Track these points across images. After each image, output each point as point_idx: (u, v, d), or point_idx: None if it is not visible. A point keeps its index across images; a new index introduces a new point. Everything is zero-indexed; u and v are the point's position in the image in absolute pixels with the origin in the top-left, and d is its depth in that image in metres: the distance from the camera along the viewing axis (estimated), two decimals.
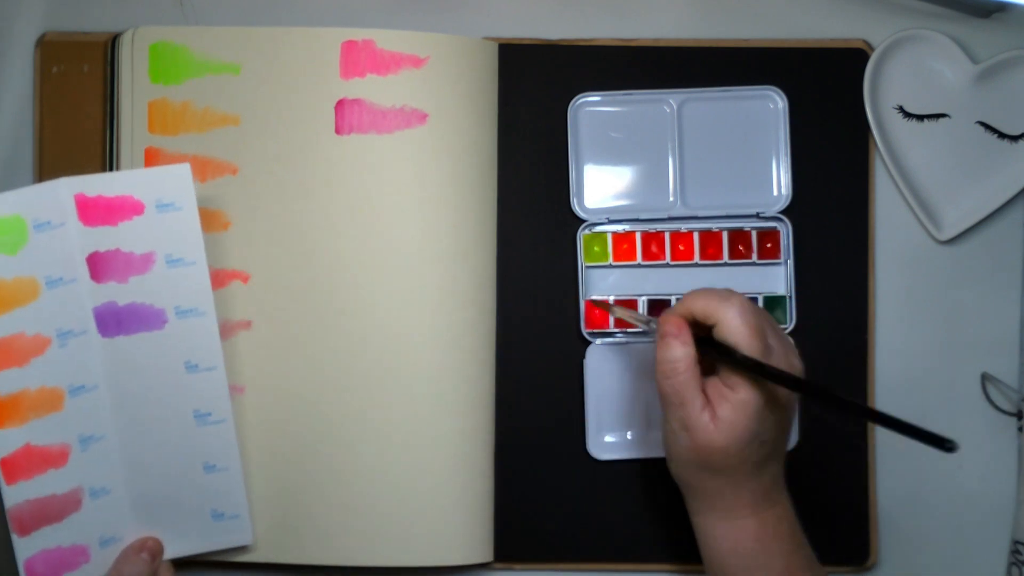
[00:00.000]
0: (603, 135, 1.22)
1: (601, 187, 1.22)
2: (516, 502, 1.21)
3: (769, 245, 1.21)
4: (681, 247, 1.21)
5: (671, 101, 1.22)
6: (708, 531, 1.07)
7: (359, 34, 1.17)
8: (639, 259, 1.21)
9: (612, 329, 1.21)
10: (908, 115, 1.22)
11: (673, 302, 1.21)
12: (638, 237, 1.21)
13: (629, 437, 1.22)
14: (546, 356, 1.18)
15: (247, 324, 1.18)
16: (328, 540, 1.17)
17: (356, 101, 1.17)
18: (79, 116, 1.20)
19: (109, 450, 1.12)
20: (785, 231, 1.21)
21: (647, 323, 1.13)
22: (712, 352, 1.05)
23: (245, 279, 1.17)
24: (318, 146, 1.17)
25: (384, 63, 1.17)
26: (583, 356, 1.21)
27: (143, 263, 1.11)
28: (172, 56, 1.18)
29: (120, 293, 1.11)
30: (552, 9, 1.23)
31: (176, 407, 1.13)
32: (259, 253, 1.17)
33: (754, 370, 1.03)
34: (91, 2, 1.22)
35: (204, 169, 1.17)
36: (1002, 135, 1.22)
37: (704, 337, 1.05)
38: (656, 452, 1.22)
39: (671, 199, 1.22)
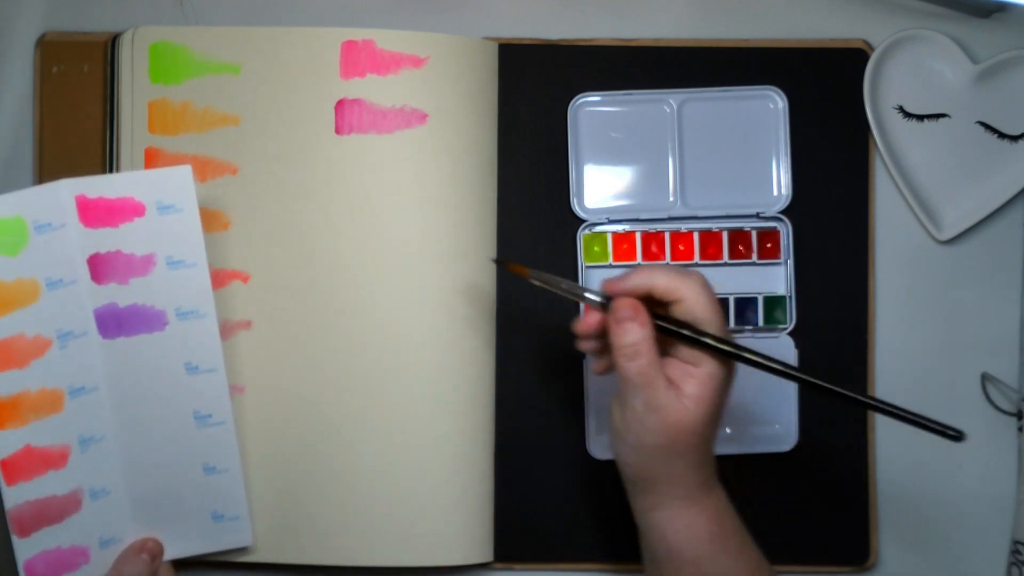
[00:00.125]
0: (603, 135, 1.22)
1: (601, 187, 1.22)
2: (516, 502, 1.21)
3: (769, 245, 1.21)
4: (681, 247, 1.21)
5: (671, 101, 1.22)
6: (667, 524, 1.04)
7: (359, 34, 1.17)
8: (639, 259, 1.21)
9: None
10: (908, 115, 1.22)
11: None
12: (638, 237, 1.21)
13: None
14: (546, 356, 1.18)
15: (247, 324, 1.18)
16: (328, 540, 1.17)
17: (356, 101, 1.17)
18: (79, 116, 1.20)
19: (109, 451, 1.12)
20: (785, 231, 1.21)
21: (577, 294, 1.07)
22: (669, 330, 1.03)
23: (245, 279, 1.17)
24: (318, 146, 1.17)
25: (384, 63, 1.17)
26: (583, 356, 1.21)
27: (144, 264, 1.11)
28: (172, 56, 1.18)
29: (121, 294, 1.11)
30: (552, 9, 1.23)
31: (176, 408, 1.13)
32: (259, 253, 1.17)
33: (719, 347, 1.01)
34: (91, 2, 1.22)
35: (204, 169, 1.17)
36: (1002, 135, 1.22)
37: (659, 316, 1.03)
38: None
39: (671, 199, 1.22)
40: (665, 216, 1.21)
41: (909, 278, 1.23)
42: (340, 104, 1.17)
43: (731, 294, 1.21)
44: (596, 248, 1.21)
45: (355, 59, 1.17)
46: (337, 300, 1.17)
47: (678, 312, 1.03)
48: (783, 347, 1.21)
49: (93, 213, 1.09)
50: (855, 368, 1.23)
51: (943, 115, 1.22)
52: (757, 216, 1.21)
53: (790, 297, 1.21)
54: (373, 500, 1.17)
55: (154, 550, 1.14)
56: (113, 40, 1.19)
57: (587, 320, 1.05)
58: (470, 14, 1.23)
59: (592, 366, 1.10)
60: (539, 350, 1.21)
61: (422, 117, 1.17)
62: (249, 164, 1.17)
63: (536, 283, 1.08)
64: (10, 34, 1.21)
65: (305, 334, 1.17)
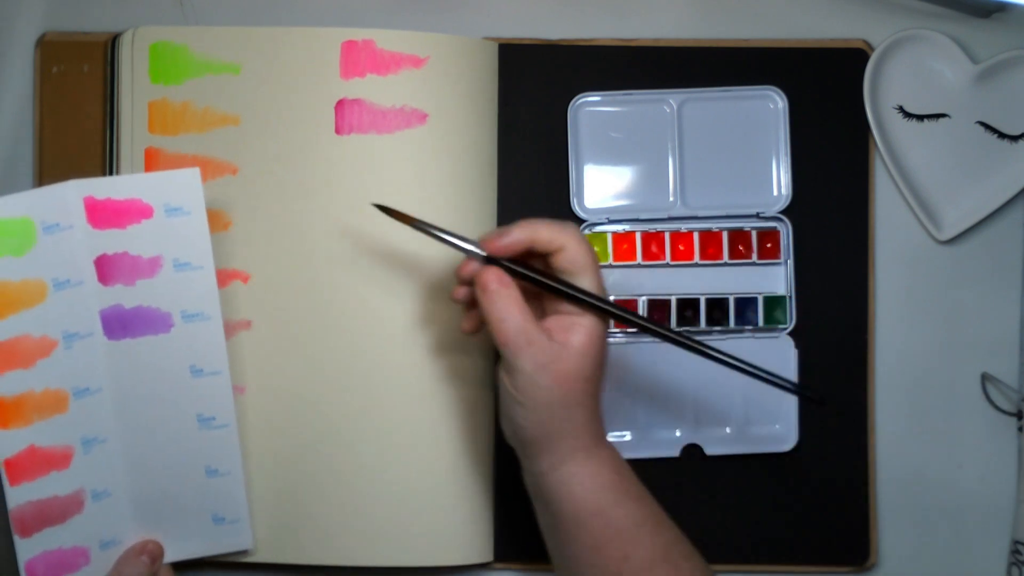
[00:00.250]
0: (603, 135, 1.22)
1: (601, 187, 1.22)
2: (516, 502, 1.20)
3: (769, 245, 1.21)
4: (681, 247, 1.21)
5: (671, 101, 1.22)
6: (572, 479, 1.04)
7: (359, 34, 1.17)
8: (639, 259, 1.21)
9: (612, 329, 1.21)
10: (908, 115, 1.22)
11: (673, 302, 1.21)
12: (638, 237, 1.21)
13: (629, 437, 1.22)
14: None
15: (247, 324, 1.18)
16: (328, 540, 1.17)
17: (356, 101, 1.17)
18: (79, 116, 1.20)
19: (112, 453, 1.12)
20: (785, 231, 1.21)
21: (456, 245, 1.07)
22: (544, 285, 1.05)
23: (245, 279, 1.17)
24: (318, 146, 1.17)
25: (384, 63, 1.17)
26: None
27: (150, 266, 1.11)
28: (172, 56, 1.18)
29: (127, 296, 1.11)
30: (552, 9, 1.23)
31: (180, 411, 1.13)
32: (259, 253, 1.17)
33: (594, 301, 1.04)
34: (91, 2, 1.22)
35: (204, 169, 1.16)
36: (1002, 135, 1.22)
37: (534, 271, 1.06)
38: (657, 452, 1.22)
39: (671, 199, 1.22)
40: (665, 216, 1.21)
41: (909, 278, 1.23)
42: (340, 104, 1.17)
43: (731, 294, 1.21)
44: (596, 248, 1.21)
45: (355, 59, 1.17)
46: (337, 300, 1.17)
47: (559, 261, 1.05)
48: (783, 347, 1.21)
49: (101, 214, 1.09)
50: (855, 368, 1.23)
51: (943, 115, 1.22)
52: (757, 216, 1.21)
53: (790, 297, 1.21)
54: (373, 500, 1.17)
55: (154, 552, 1.14)
56: (113, 40, 1.19)
57: (467, 267, 1.06)
58: (470, 14, 1.23)
59: (463, 325, 1.11)
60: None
61: (422, 117, 1.17)
62: (249, 164, 1.17)
63: (419, 230, 1.08)
64: (10, 34, 1.21)
65: (305, 334, 1.17)
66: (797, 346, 1.21)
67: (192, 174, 1.11)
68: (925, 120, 1.22)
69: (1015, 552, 1.21)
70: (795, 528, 1.22)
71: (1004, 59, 1.21)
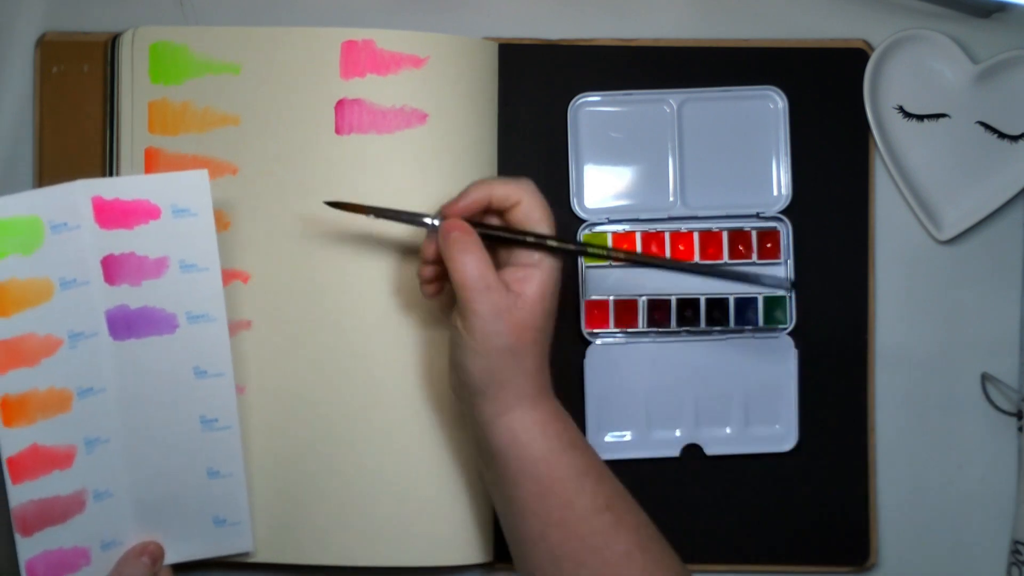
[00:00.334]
0: (603, 135, 1.22)
1: (601, 187, 1.22)
2: None
3: (769, 245, 1.21)
4: (681, 247, 1.21)
5: (671, 101, 1.22)
6: (517, 424, 1.07)
7: (359, 34, 1.17)
8: None
9: (612, 329, 1.21)
10: (908, 115, 1.22)
11: (673, 302, 1.21)
12: (638, 237, 1.22)
13: (629, 437, 1.22)
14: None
15: (247, 324, 1.18)
16: (328, 540, 1.17)
17: (356, 101, 1.17)
18: (79, 116, 1.20)
19: (114, 453, 1.12)
20: (785, 231, 1.21)
21: (416, 221, 1.10)
22: (509, 238, 1.09)
23: (245, 279, 1.17)
24: (318, 146, 1.17)
25: (384, 63, 1.17)
26: (583, 356, 1.22)
27: (157, 267, 1.11)
28: (172, 56, 1.18)
29: (133, 296, 1.11)
30: (552, 9, 1.23)
31: (183, 412, 1.13)
32: (259, 253, 1.17)
33: (563, 246, 1.08)
34: (91, 2, 1.22)
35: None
36: (1002, 135, 1.22)
37: (493, 227, 1.10)
38: (657, 452, 1.22)
39: (671, 199, 1.22)
40: (665, 216, 1.21)
41: (909, 278, 1.23)
42: (340, 104, 1.17)
43: (731, 294, 1.21)
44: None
45: (355, 59, 1.17)
46: (337, 300, 1.17)
47: (515, 216, 1.08)
48: (783, 347, 1.21)
49: (108, 214, 1.09)
50: (855, 368, 1.23)
51: (943, 115, 1.22)
52: (757, 216, 1.21)
53: (790, 297, 1.21)
54: (373, 500, 1.17)
55: (155, 553, 1.14)
56: (113, 40, 1.19)
57: (431, 246, 1.09)
58: (470, 14, 1.23)
59: (426, 290, 1.13)
60: None
61: (422, 117, 1.17)
62: (249, 164, 1.17)
63: (376, 218, 1.12)
64: (10, 34, 1.21)
65: (305, 334, 1.17)
66: (797, 346, 1.21)
67: (200, 176, 1.11)
68: (925, 120, 1.22)
69: (1015, 552, 1.21)
70: (795, 528, 1.22)
71: (1004, 59, 1.21)
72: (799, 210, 1.22)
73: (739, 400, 1.22)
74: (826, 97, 1.23)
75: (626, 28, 1.23)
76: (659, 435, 1.22)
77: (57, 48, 1.21)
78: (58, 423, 1.09)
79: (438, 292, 1.12)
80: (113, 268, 1.10)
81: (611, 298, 1.21)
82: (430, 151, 1.16)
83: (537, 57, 1.22)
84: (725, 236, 1.21)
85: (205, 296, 1.12)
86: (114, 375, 1.11)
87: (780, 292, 1.21)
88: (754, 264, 1.21)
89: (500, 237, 1.08)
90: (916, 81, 1.22)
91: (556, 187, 1.21)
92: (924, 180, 1.23)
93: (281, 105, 1.17)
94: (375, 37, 1.17)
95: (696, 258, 1.21)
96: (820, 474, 1.22)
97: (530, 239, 1.07)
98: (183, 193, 1.10)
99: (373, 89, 1.17)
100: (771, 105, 1.22)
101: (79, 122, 1.20)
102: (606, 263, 1.21)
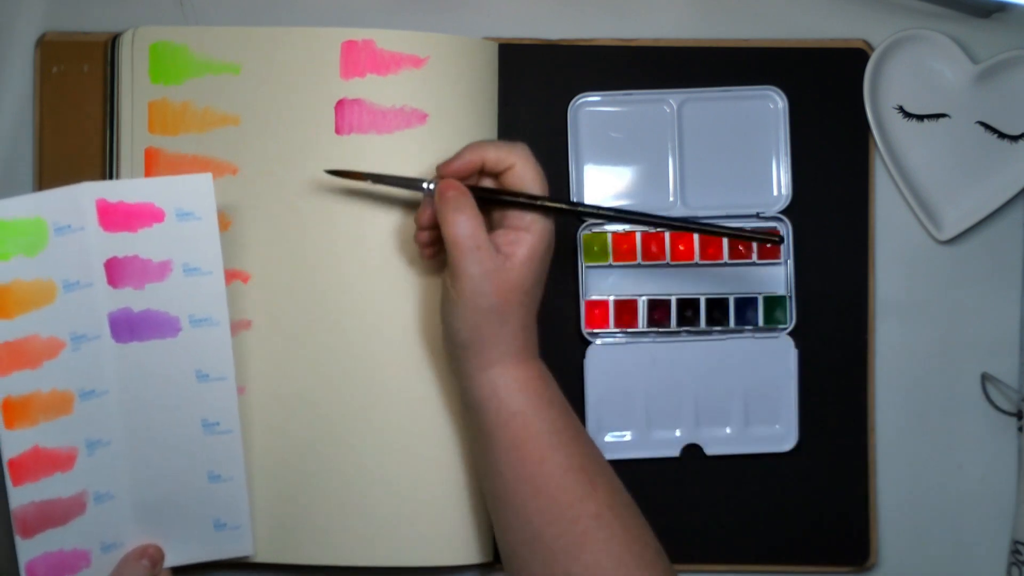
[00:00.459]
0: (603, 135, 1.22)
1: (601, 187, 1.22)
2: None
3: (769, 245, 1.21)
4: (681, 247, 1.21)
5: (671, 101, 1.22)
6: (498, 379, 1.09)
7: (359, 34, 1.17)
8: (639, 259, 1.21)
9: (612, 329, 1.22)
10: (908, 115, 1.22)
11: (673, 302, 1.21)
12: (638, 237, 1.21)
13: (629, 437, 1.22)
14: (546, 356, 1.17)
15: (247, 324, 1.17)
16: (327, 540, 1.17)
17: (356, 101, 1.17)
18: (79, 116, 1.20)
19: (116, 455, 1.12)
20: (785, 231, 1.21)
21: (413, 184, 1.13)
22: (499, 199, 1.11)
23: (245, 279, 1.17)
24: (318, 146, 1.17)
25: (384, 63, 1.17)
26: (583, 356, 1.22)
27: (160, 270, 1.11)
28: (172, 56, 1.18)
29: (136, 299, 1.11)
30: (552, 9, 1.23)
31: (184, 415, 1.13)
32: (259, 253, 1.17)
33: (555, 206, 1.10)
34: (91, 2, 1.22)
35: (204, 169, 1.16)
36: (1002, 135, 1.22)
37: (488, 189, 1.12)
38: (657, 452, 1.22)
39: (671, 199, 1.22)
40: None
41: (909, 278, 1.23)
42: (340, 104, 1.17)
43: (731, 294, 1.21)
44: (596, 248, 1.21)
45: (355, 59, 1.17)
46: (337, 300, 1.17)
47: (509, 179, 1.10)
48: (783, 347, 1.21)
49: (112, 217, 1.09)
50: (855, 368, 1.23)
51: (943, 115, 1.22)
52: (757, 216, 1.21)
53: (790, 297, 1.21)
54: (373, 500, 1.17)
55: (155, 556, 1.14)
56: (113, 40, 1.19)
57: (427, 212, 1.11)
58: (470, 14, 1.23)
59: (424, 253, 1.15)
60: (539, 350, 1.21)
61: (422, 117, 1.17)
62: (249, 164, 1.17)
63: (374, 184, 1.15)
64: (10, 34, 1.21)
65: (305, 334, 1.17)
66: (797, 346, 1.21)
67: (204, 180, 1.10)
68: (925, 120, 1.22)
69: (1015, 552, 1.21)
70: (795, 528, 1.22)
71: (1004, 59, 1.21)
72: (799, 210, 1.22)
73: (739, 400, 1.22)
74: (826, 97, 1.23)
75: (626, 28, 1.23)
76: (659, 435, 1.22)
77: (57, 48, 1.21)
78: (60, 425, 1.09)
79: (435, 255, 1.14)
80: (116, 271, 1.10)
81: (611, 298, 1.22)
82: (430, 151, 1.16)
83: (537, 57, 1.22)
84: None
85: (208, 299, 1.12)
86: (116, 378, 1.11)
87: (780, 293, 1.21)
88: (754, 264, 1.21)
89: (493, 198, 1.10)
90: (916, 81, 1.22)
91: (556, 187, 1.20)
92: (924, 180, 1.23)
93: (281, 105, 1.17)
94: (375, 37, 1.17)
95: (696, 258, 1.21)
96: (820, 474, 1.22)
97: (522, 200, 1.09)
98: (187, 196, 1.10)
99: (373, 89, 1.17)
100: (771, 105, 1.22)
101: (79, 122, 1.20)
102: (633, 331, 1.22)
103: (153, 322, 1.11)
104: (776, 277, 1.22)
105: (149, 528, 1.14)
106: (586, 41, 1.23)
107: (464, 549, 1.18)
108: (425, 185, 1.11)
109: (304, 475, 1.18)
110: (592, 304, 1.22)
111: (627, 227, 1.21)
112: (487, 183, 1.12)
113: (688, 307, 1.22)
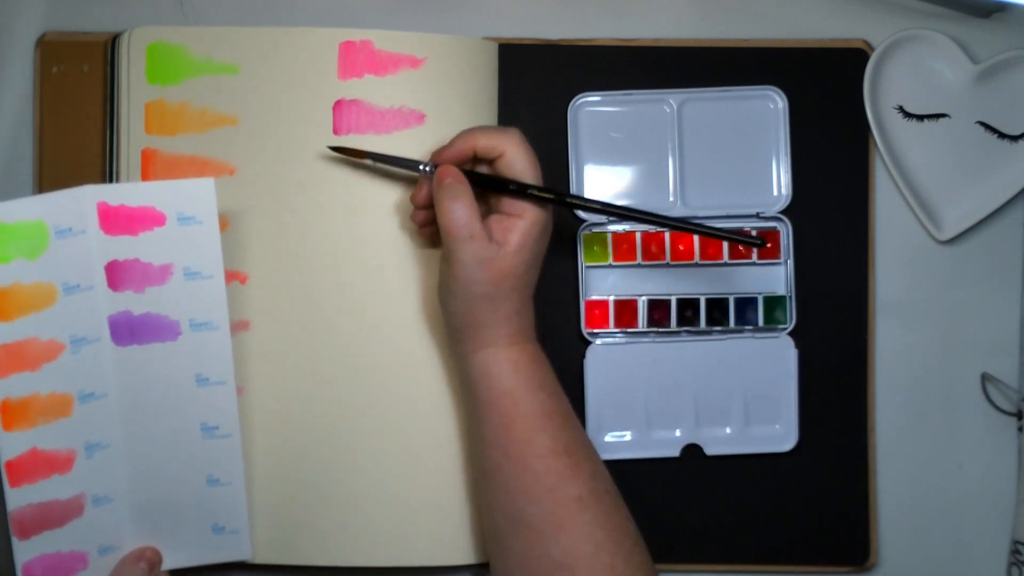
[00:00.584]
0: (603, 135, 1.22)
1: (601, 187, 1.22)
2: None
3: (769, 245, 1.21)
4: (681, 247, 1.21)
5: (671, 101, 1.22)
6: (490, 359, 1.11)
7: (357, 35, 1.17)
8: (639, 259, 1.21)
9: (612, 329, 1.22)
10: (908, 115, 1.22)
11: (673, 302, 1.21)
12: (638, 237, 1.22)
13: (629, 437, 1.22)
14: (546, 356, 1.18)
15: (245, 325, 1.17)
16: (327, 540, 1.17)
17: (354, 102, 1.17)
18: (79, 116, 1.20)
19: (114, 458, 1.12)
20: (785, 231, 1.21)
21: (411, 166, 1.15)
22: (493, 185, 1.12)
23: (243, 280, 1.17)
24: (316, 147, 1.17)
25: (382, 64, 1.17)
26: (583, 356, 1.22)
27: (161, 274, 1.11)
28: (169, 57, 1.17)
29: (136, 303, 1.11)
30: (552, 9, 1.23)
31: (184, 419, 1.13)
32: (257, 253, 1.17)
33: (543, 195, 1.11)
34: (91, 2, 1.22)
35: (202, 170, 1.17)
36: (1002, 135, 1.22)
37: (482, 175, 1.13)
38: (657, 452, 1.22)
39: (671, 199, 1.22)
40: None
41: (909, 278, 1.23)
42: (338, 105, 1.17)
43: (731, 294, 1.21)
44: (596, 248, 1.21)
45: (353, 60, 1.17)
46: (335, 301, 1.17)
47: (501, 166, 1.11)
48: (783, 347, 1.21)
49: (114, 220, 1.09)
50: (855, 368, 1.23)
51: (943, 115, 1.22)
52: (757, 216, 1.21)
53: (790, 297, 1.21)
54: (372, 500, 1.17)
55: (152, 559, 1.13)
56: (113, 40, 1.19)
57: (422, 192, 1.13)
58: (470, 14, 1.23)
59: (422, 233, 1.17)
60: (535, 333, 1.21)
61: (420, 117, 1.17)
62: (247, 165, 1.17)
63: (371, 163, 1.16)
64: (10, 34, 1.21)
65: (303, 334, 1.17)
66: (797, 346, 1.21)
67: (206, 184, 1.10)
68: (925, 120, 1.22)
69: (1015, 552, 1.21)
70: (795, 528, 1.22)
71: (1004, 59, 1.21)
72: (799, 210, 1.22)
73: (739, 400, 1.22)
74: (826, 97, 1.23)
75: (626, 28, 1.23)
76: (659, 435, 1.22)
77: (57, 48, 1.21)
78: (58, 427, 1.09)
79: (433, 234, 1.15)
80: (117, 274, 1.10)
81: (611, 298, 1.22)
82: (428, 151, 1.16)
83: (537, 57, 1.22)
84: None
85: (208, 304, 1.12)
86: (116, 381, 1.11)
87: (780, 293, 1.21)
88: (754, 264, 1.21)
89: (485, 185, 1.12)
90: (916, 81, 1.22)
91: (556, 187, 1.21)
92: (924, 180, 1.22)
93: (279, 106, 1.17)
94: (373, 38, 1.17)
95: (696, 258, 1.21)
96: (820, 474, 1.22)
97: (512, 187, 1.10)
98: (189, 201, 1.10)
99: (371, 90, 1.17)
100: (771, 105, 1.22)
101: (79, 122, 1.20)
102: (633, 331, 1.22)
103: (153, 325, 1.11)
104: (776, 277, 1.22)
105: (147, 531, 1.14)
106: (586, 41, 1.23)
107: (460, 549, 1.18)
108: (422, 167, 1.13)
109: (301, 475, 1.18)
110: (592, 304, 1.22)
111: (627, 227, 1.21)
112: (483, 169, 1.13)
113: (688, 307, 1.22)
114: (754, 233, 1.21)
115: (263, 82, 1.17)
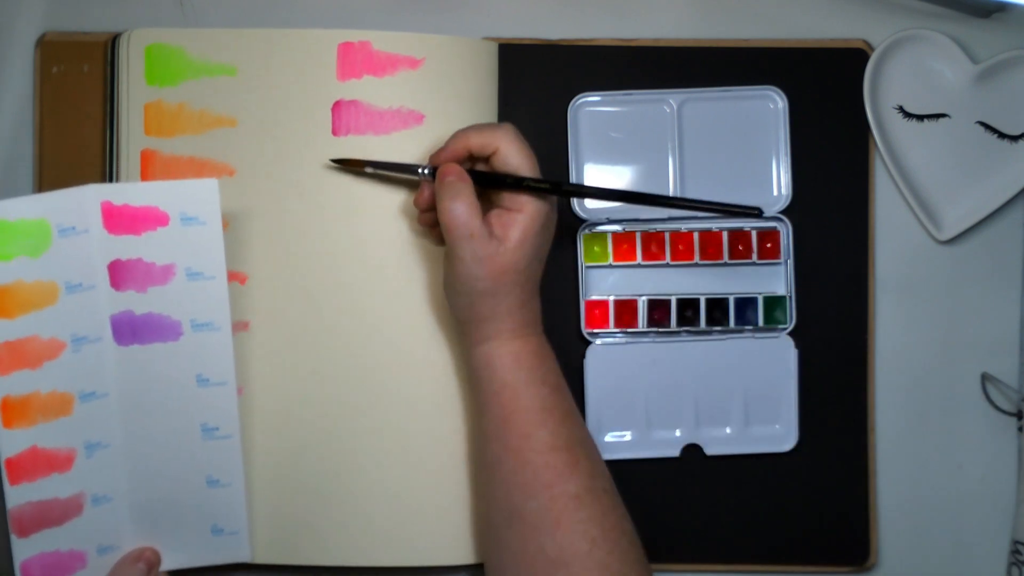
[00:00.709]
0: (603, 135, 1.22)
1: (598, 185, 1.22)
2: None
3: (769, 245, 1.21)
4: (681, 247, 1.21)
5: (671, 101, 1.22)
6: (493, 351, 1.12)
7: (355, 35, 1.17)
8: (639, 259, 1.21)
9: (612, 329, 1.21)
10: (908, 115, 1.22)
11: (673, 302, 1.21)
12: (638, 237, 1.22)
13: (629, 437, 1.22)
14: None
15: (245, 325, 1.18)
16: (327, 541, 1.17)
17: (353, 102, 1.17)
18: (79, 116, 1.20)
19: (114, 458, 1.12)
20: (785, 231, 1.21)
21: (410, 170, 1.16)
22: (492, 181, 1.13)
23: (243, 280, 1.17)
24: (315, 147, 1.17)
25: (381, 64, 1.17)
26: (583, 356, 1.22)
27: (163, 274, 1.11)
28: (168, 58, 1.17)
29: (138, 302, 1.11)
30: (552, 9, 1.23)
31: (184, 420, 1.13)
32: (256, 254, 1.17)
33: (538, 186, 1.12)
34: (91, 2, 1.22)
35: (201, 171, 1.17)
36: (1002, 135, 1.22)
37: (480, 172, 1.14)
38: (657, 452, 1.22)
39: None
40: (665, 216, 1.21)
41: (909, 278, 1.23)
42: (337, 105, 1.17)
43: (731, 294, 1.21)
44: (596, 248, 1.21)
45: (352, 60, 1.17)
46: (335, 301, 1.17)
47: (497, 162, 1.12)
48: (783, 347, 1.21)
49: (117, 220, 1.09)
50: (855, 368, 1.22)
51: (943, 115, 1.22)
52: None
53: (790, 297, 1.21)
54: (372, 500, 1.18)
55: (151, 560, 1.13)
56: (113, 40, 1.19)
57: (423, 195, 1.14)
58: (470, 14, 1.23)
59: (432, 234, 1.18)
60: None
61: (419, 118, 1.17)
62: (246, 166, 1.17)
63: (371, 171, 1.17)
64: (10, 34, 1.21)
65: (303, 335, 1.18)
66: (797, 346, 1.21)
67: (210, 185, 1.11)
68: (925, 120, 1.22)
69: (1015, 552, 1.21)
70: (795, 528, 1.22)
71: (1004, 59, 1.21)
72: (799, 210, 1.22)
73: (739, 400, 1.22)
74: (826, 97, 1.23)
75: (626, 28, 1.23)
76: (659, 435, 1.22)
77: (57, 48, 1.21)
78: (59, 426, 1.09)
79: (442, 234, 1.14)
80: (120, 273, 1.10)
81: (611, 298, 1.22)
82: (427, 152, 1.16)
83: (537, 57, 1.22)
84: (725, 236, 1.21)
85: (210, 304, 1.12)
86: (117, 380, 1.11)
87: (780, 293, 1.21)
88: (754, 264, 1.21)
89: (482, 181, 1.13)
90: (916, 81, 1.22)
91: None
92: (924, 180, 1.22)
93: (278, 107, 1.17)
94: (371, 39, 1.17)
95: (696, 258, 1.21)
96: (820, 474, 1.22)
97: (508, 181, 1.11)
98: (192, 201, 1.10)
99: (370, 90, 1.17)
100: (771, 105, 1.22)
101: (79, 122, 1.20)
102: (633, 331, 1.22)
103: (155, 325, 1.11)
104: (776, 277, 1.22)
105: (146, 531, 1.14)
106: (586, 41, 1.23)
107: (460, 549, 1.18)
108: (420, 171, 1.13)
109: (301, 475, 1.18)
110: (592, 304, 1.22)
111: (627, 227, 1.21)
112: (480, 166, 1.14)
113: (688, 307, 1.22)
114: (754, 233, 1.21)
115: (262, 83, 1.17)
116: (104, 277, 1.10)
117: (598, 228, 1.22)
